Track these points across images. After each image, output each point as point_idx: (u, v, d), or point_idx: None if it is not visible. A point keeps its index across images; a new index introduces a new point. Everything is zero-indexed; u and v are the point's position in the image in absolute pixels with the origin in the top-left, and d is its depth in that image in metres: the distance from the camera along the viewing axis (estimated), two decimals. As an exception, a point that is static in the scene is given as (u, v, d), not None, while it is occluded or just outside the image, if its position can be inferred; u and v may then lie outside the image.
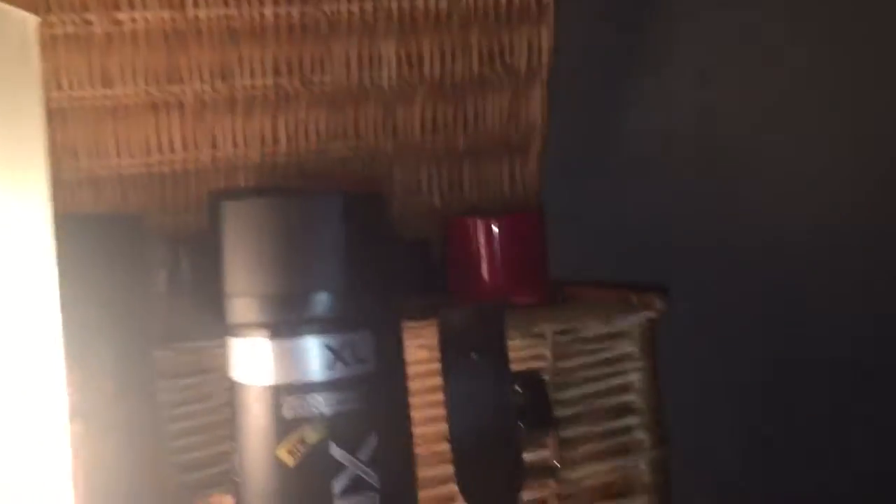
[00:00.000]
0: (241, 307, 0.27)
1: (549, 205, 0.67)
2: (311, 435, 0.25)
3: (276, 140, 0.60)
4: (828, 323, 0.62)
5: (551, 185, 0.67)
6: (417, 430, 0.50)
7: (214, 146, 0.59)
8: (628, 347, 0.52)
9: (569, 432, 0.51)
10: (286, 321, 0.26)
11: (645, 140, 0.66)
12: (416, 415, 0.50)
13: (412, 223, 0.66)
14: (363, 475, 0.26)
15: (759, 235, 0.63)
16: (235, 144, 0.60)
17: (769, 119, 0.64)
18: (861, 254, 0.63)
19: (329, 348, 0.26)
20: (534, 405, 0.49)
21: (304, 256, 0.27)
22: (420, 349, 0.50)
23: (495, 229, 0.58)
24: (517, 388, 0.49)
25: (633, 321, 0.52)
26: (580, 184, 0.67)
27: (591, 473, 0.51)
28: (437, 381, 0.48)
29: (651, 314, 0.52)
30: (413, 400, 0.50)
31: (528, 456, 0.50)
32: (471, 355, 0.48)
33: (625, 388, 0.52)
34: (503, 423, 0.48)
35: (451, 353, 0.48)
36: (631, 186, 0.66)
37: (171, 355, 0.41)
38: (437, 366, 0.48)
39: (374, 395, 0.27)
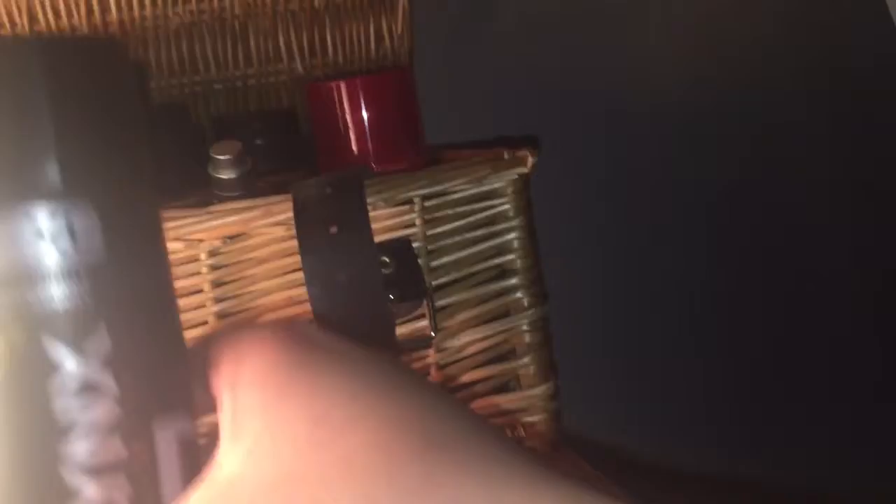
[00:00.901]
0: None
1: (422, 65, 0.62)
2: (20, 335, 0.21)
3: (104, 8, 0.54)
4: (701, 170, 0.61)
5: (423, 44, 0.63)
6: (278, 314, 0.47)
7: (33, 19, 0.52)
8: (502, 206, 0.50)
9: (445, 300, 0.49)
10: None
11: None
12: (275, 297, 0.47)
13: (274, 93, 0.61)
14: (93, 381, 0.21)
15: (635, 91, 0.60)
16: (58, 15, 0.53)
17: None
18: (737, 112, 0.61)
19: (40, 230, 0.21)
20: (403, 275, 0.47)
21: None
22: (275, 227, 0.46)
23: (358, 91, 0.53)
24: (384, 259, 0.46)
25: (504, 179, 0.49)
26: (454, 41, 0.63)
27: (472, 340, 0.49)
28: (296, 259, 0.45)
29: (523, 170, 0.49)
30: (272, 282, 0.47)
31: (403, 328, 0.48)
32: (329, 229, 0.45)
33: (501, 250, 0.50)
34: (371, 298, 0.45)
35: (307, 229, 0.45)
36: (507, 42, 0.62)
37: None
38: (294, 244, 0.45)
39: (103, 285, 0.21)
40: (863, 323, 0.62)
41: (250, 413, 0.21)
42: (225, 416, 0.22)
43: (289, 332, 0.24)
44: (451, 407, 0.21)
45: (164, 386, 0.22)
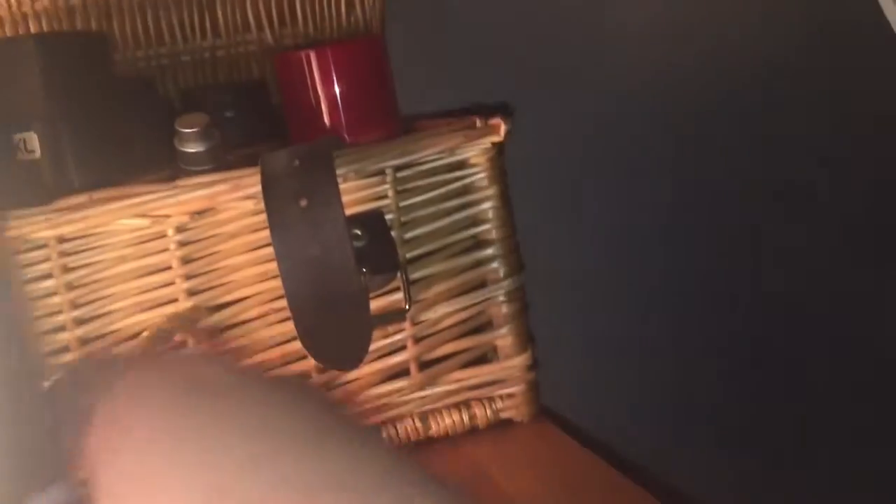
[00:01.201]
0: None
1: (394, 33, 0.61)
2: None
3: (65, -20, 0.52)
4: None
5: (396, 11, 0.61)
6: (248, 290, 0.46)
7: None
8: (475, 176, 0.49)
9: (419, 272, 0.48)
10: None
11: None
12: (247, 273, 0.46)
13: (244, 65, 0.59)
14: None
15: (608, 57, 0.59)
16: (16, -11, 0.51)
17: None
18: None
19: None
20: (376, 248, 0.46)
21: None
22: (245, 201, 0.46)
23: (329, 60, 0.52)
24: (356, 231, 0.46)
25: (477, 147, 0.48)
26: (427, 8, 0.61)
27: (448, 312, 0.49)
28: (267, 234, 0.44)
29: (496, 138, 0.48)
30: (242, 257, 0.46)
31: (378, 301, 0.47)
32: (299, 202, 0.44)
33: (475, 220, 0.49)
34: (343, 272, 0.44)
35: (276, 203, 0.44)
36: (481, 9, 0.61)
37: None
38: (264, 218, 0.44)
39: None
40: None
41: (130, 489, 0.18)
42: (98, 493, 0.18)
43: (171, 368, 0.20)
44: (372, 448, 0.18)
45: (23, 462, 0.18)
